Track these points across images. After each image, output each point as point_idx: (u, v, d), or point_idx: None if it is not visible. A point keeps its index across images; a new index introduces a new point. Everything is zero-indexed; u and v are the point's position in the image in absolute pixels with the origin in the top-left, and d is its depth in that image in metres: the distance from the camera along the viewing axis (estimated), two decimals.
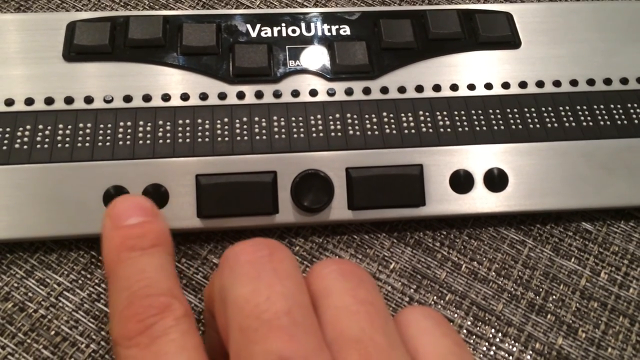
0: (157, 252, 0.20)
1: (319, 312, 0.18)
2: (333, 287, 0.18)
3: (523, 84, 0.29)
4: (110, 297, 0.19)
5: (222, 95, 0.27)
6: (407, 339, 0.18)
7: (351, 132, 0.27)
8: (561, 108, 0.28)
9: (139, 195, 0.23)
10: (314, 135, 0.26)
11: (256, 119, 0.27)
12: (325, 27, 0.29)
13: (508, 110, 0.28)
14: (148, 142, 0.26)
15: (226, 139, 0.26)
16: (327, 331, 0.17)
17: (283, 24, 0.29)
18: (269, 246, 0.18)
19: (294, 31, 0.29)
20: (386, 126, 0.27)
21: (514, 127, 0.27)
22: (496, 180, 0.26)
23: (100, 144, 0.25)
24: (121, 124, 0.26)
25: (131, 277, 0.19)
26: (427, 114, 0.27)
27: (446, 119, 0.27)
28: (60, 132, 0.26)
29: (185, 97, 0.27)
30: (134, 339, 0.17)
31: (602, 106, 0.28)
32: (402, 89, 0.28)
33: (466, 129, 0.27)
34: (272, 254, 0.18)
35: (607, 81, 0.29)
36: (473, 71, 0.29)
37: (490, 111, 0.28)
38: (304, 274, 0.19)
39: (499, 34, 0.30)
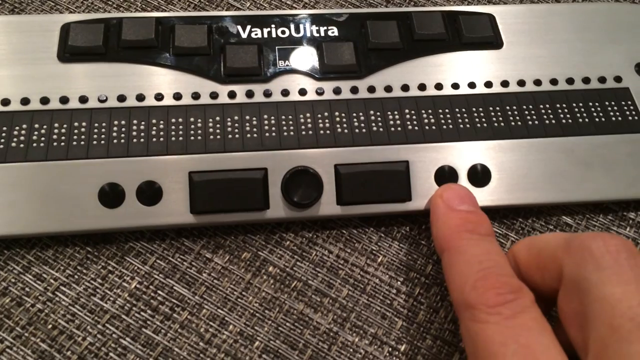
0: (493, 240, 0.23)
1: None
2: None
3: (505, 83, 0.30)
4: (454, 266, 0.22)
5: (213, 95, 0.28)
6: None
7: (339, 130, 0.27)
8: (542, 106, 0.29)
9: (464, 187, 0.26)
10: (304, 133, 0.27)
11: (247, 117, 0.27)
12: (314, 28, 0.30)
13: (490, 108, 0.29)
14: (142, 140, 0.26)
15: (218, 137, 0.27)
16: None
17: (273, 25, 0.30)
18: (629, 248, 0.19)
19: (283, 32, 0.30)
20: (373, 124, 0.28)
21: (496, 124, 0.28)
22: (479, 175, 0.27)
23: (95, 142, 0.26)
24: (115, 122, 0.27)
25: (480, 255, 0.21)
26: (412, 112, 0.28)
27: (431, 117, 0.28)
28: (56, 131, 0.26)
29: (177, 96, 0.28)
30: (495, 308, 0.19)
31: (581, 104, 0.29)
32: (388, 88, 0.29)
33: (450, 126, 0.28)
34: (636, 257, 0.19)
35: (586, 80, 0.30)
36: (457, 71, 0.30)
37: (474, 109, 0.29)
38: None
39: (482, 34, 0.31)
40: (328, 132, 0.27)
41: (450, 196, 0.25)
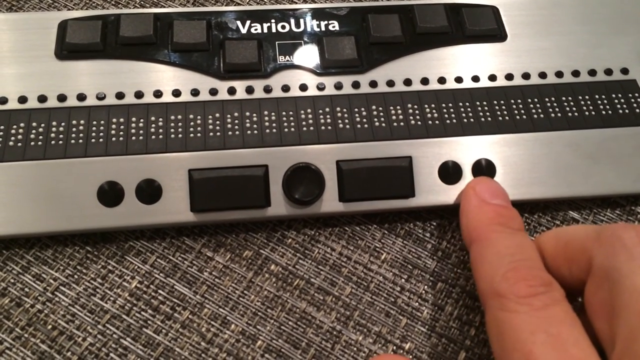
0: (525, 235, 0.23)
1: None
2: None
3: (509, 76, 0.29)
4: (484, 257, 0.22)
5: (213, 91, 0.27)
6: None
7: (341, 125, 0.27)
8: (547, 99, 0.29)
9: (497, 181, 0.26)
10: (305, 129, 0.27)
11: (247, 113, 0.27)
12: (315, 22, 0.30)
13: (495, 102, 0.28)
14: (141, 137, 0.26)
15: (218, 133, 0.26)
16: None
17: (273, 20, 0.30)
18: None
19: (283, 27, 0.30)
20: (375, 119, 0.27)
21: (500, 118, 0.28)
22: (484, 170, 0.27)
23: (93, 140, 0.26)
24: (114, 120, 0.26)
25: (512, 247, 0.22)
26: (415, 106, 0.28)
27: (434, 111, 0.28)
28: (54, 129, 0.26)
29: (176, 93, 0.27)
30: (526, 299, 0.19)
31: (587, 97, 0.29)
32: (390, 83, 0.28)
33: (454, 120, 0.28)
34: None
35: (592, 72, 0.30)
36: (460, 64, 0.29)
37: (478, 103, 0.28)
38: None
39: (486, 27, 0.30)
40: (329, 127, 0.27)
41: (483, 189, 0.25)
